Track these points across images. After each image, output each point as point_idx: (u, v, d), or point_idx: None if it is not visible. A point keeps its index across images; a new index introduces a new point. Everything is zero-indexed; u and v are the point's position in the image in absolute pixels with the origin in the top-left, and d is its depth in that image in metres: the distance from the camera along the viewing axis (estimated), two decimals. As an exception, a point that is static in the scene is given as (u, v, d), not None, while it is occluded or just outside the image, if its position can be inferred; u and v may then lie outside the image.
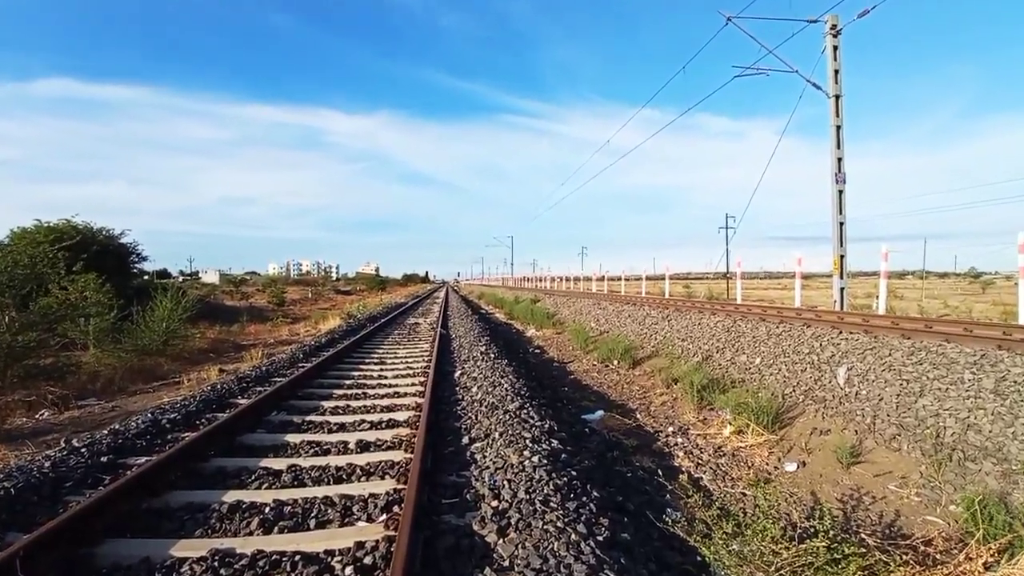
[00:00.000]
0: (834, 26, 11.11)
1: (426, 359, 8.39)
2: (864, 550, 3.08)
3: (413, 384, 6.54)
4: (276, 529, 2.96)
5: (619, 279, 24.83)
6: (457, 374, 7.11)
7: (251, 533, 2.93)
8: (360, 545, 2.73)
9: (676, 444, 5.65)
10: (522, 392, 5.88)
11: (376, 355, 9.07)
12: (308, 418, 5.05)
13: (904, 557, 3.13)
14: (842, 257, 11.23)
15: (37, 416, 6.41)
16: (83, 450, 4.02)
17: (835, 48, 11.16)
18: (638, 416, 6.67)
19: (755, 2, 19.94)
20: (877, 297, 10.47)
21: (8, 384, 7.14)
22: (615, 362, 9.74)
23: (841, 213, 11.22)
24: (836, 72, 11.20)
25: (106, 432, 4.49)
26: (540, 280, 47.36)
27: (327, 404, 5.57)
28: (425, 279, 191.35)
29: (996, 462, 4.18)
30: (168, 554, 2.70)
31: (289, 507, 3.19)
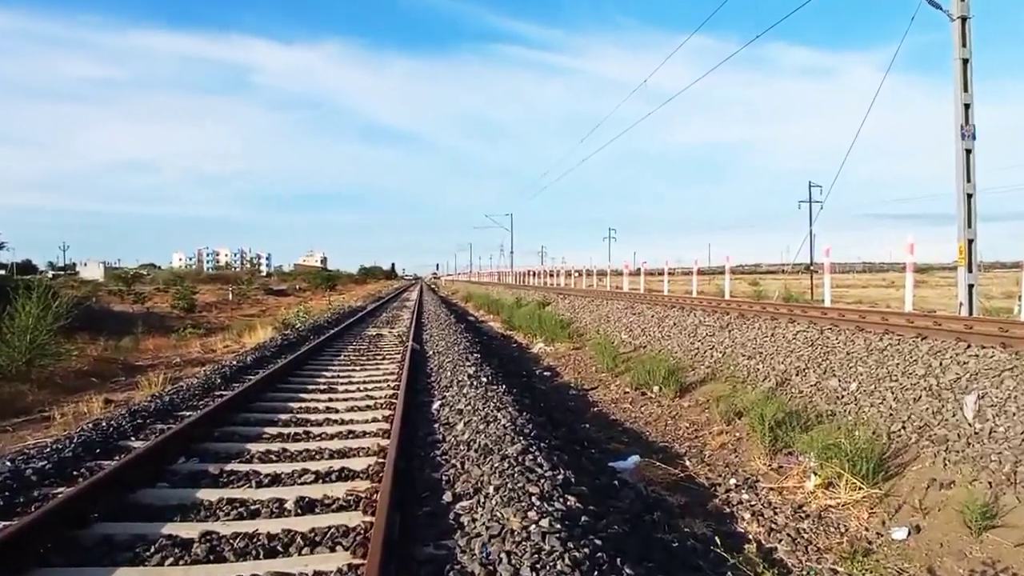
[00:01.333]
0: (959, -79, 11.12)
1: (392, 385, 8.40)
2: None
3: (375, 419, 6.55)
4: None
5: (660, 274, 24.86)
6: (436, 405, 7.10)
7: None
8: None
9: (740, 502, 5.65)
10: (526, 430, 5.88)
11: (324, 379, 9.08)
12: (229, 467, 5.05)
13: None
14: (971, 242, 11.23)
15: None
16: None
17: (961, -49, 11.16)
18: (687, 463, 6.68)
19: None
20: (1020, 298, 10.48)
21: None
22: (655, 389, 9.76)
23: (969, 181, 11.22)
24: (962, -15, 11.20)
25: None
26: (551, 275, 47.45)
27: (256, 447, 5.58)
28: (391, 275, 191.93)
29: None
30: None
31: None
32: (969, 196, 11.23)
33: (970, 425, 5.87)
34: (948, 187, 11.50)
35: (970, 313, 11.00)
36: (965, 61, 11.22)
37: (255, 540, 3.74)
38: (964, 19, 11.21)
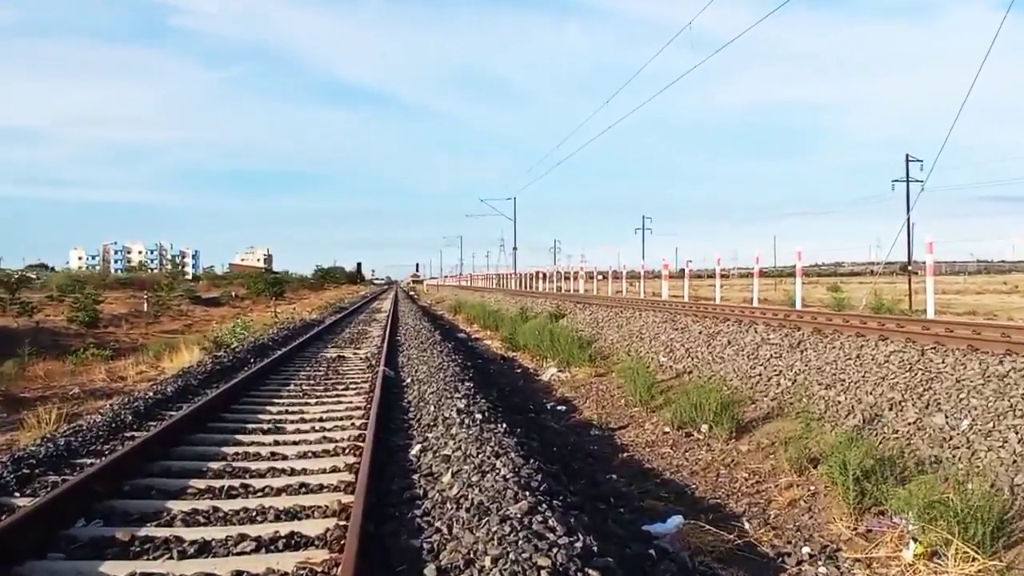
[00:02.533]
0: None
1: (358, 423, 8.38)
2: None
3: (335, 469, 6.53)
4: None
5: (711, 276, 24.88)
6: (415, 450, 7.08)
7: None
8: None
9: (817, 577, 5.61)
10: (534, 483, 5.84)
11: (268, 416, 9.07)
12: (143, 531, 5.01)
13: None
14: (1119, 234, 11.21)
15: None
16: None
17: None
18: (746, 526, 6.64)
19: None
20: None
21: None
22: (704, 428, 9.73)
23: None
24: None
25: None
26: (567, 278, 47.51)
27: (178, 506, 5.54)
28: (357, 278, 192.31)
29: None
30: None
31: None
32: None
33: (1120, 476, 5.85)
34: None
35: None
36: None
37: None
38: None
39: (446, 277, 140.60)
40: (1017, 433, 6.90)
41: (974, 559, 5.48)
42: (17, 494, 5.84)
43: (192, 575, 4.33)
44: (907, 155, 42.48)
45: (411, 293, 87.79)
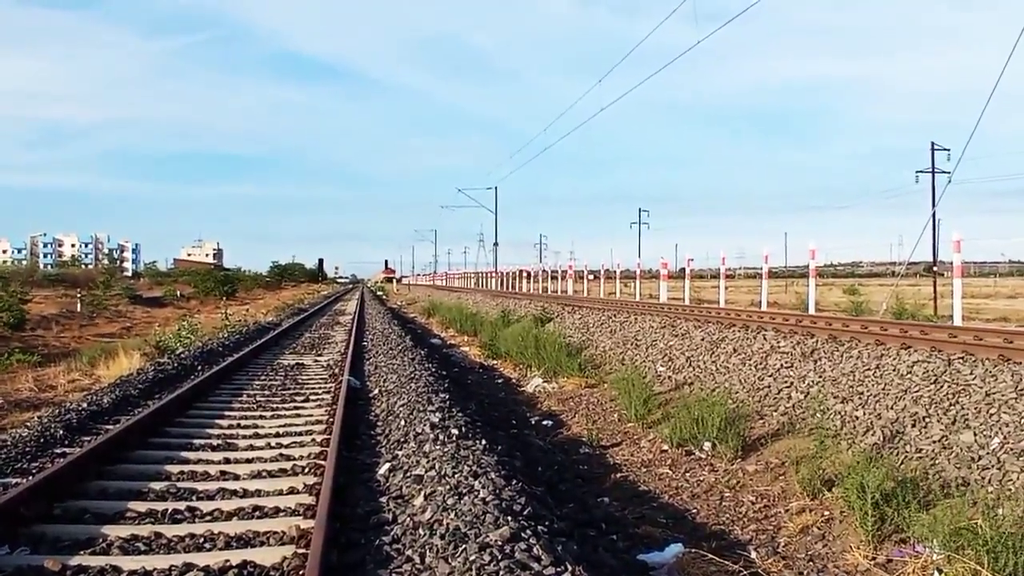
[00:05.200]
0: None
1: (319, 439, 8.36)
2: None
3: (292, 490, 6.50)
4: None
5: (715, 276, 24.96)
6: (384, 469, 7.06)
7: None
8: None
9: (831, 613, 5.65)
10: (516, 507, 5.84)
11: (218, 430, 9.04)
12: (76, 560, 4.98)
13: None
14: None
15: None
16: None
17: None
18: (754, 555, 6.65)
19: None
20: None
21: None
22: (707, 446, 9.73)
23: None
24: None
25: None
26: (554, 277, 47.60)
27: (116, 531, 5.49)
28: (318, 276, 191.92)
29: None
30: None
31: None
32: None
33: None
34: None
35: None
36: None
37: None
38: None
39: (419, 276, 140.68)
40: (1053, 453, 6.96)
41: (1005, 593, 5.53)
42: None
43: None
44: (932, 143, 42.68)
45: (377, 292, 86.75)
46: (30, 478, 6.53)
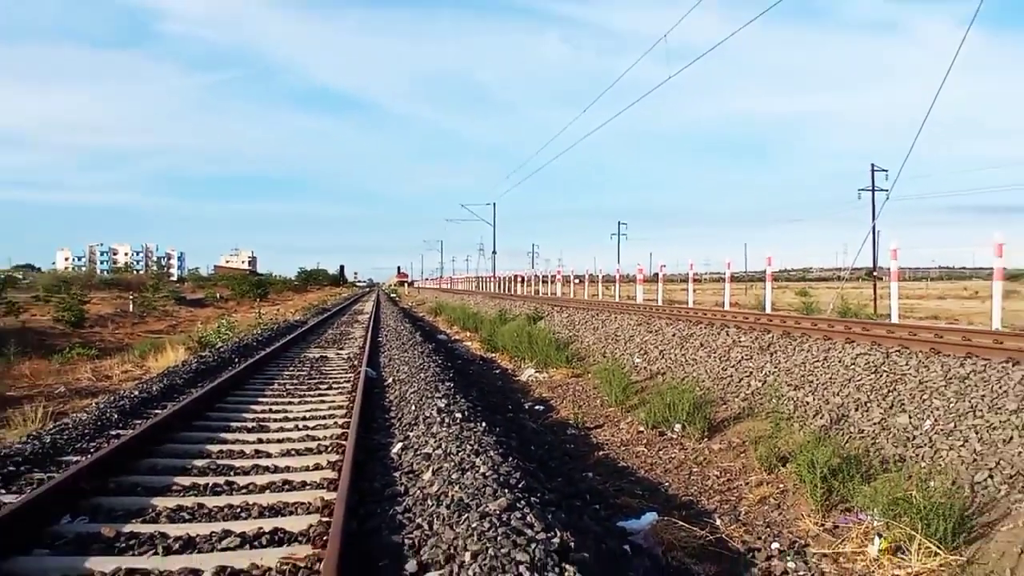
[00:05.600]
0: None
1: (341, 422, 8.36)
2: None
3: (317, 466, 6.49)
4: None
5: (684, 280, 24.96)
6: (396, 448, 7.03)
7: None
8: None
9: (786, 572, 5.64)
10: (512, 480, 5.82)
11: (252, 414, 9.01)
12: (129, 527, 4.94)
13: None
14: (1071, 243, 11.33)
15: None
16: None
17: None
18: (718, 523, 6.67)
19: None
20: None
21: None
22: (677, 428, 9.74)
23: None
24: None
25: None
26: (545, 282, 47.60)
27: (164, 502, 5.47)
28: (339, 280, 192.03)
29: None
30: None
31: None
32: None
33: (1076, 474, 5.88)
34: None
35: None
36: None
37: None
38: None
39: (427, 280, 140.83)
40: (977, 433, 6.96)
41: (936, 554, 5.52)
42: (3, 491, 5.73)
43: (177, 570, 4.26)
44: (872, 165, 42.97)
45: (391, 295, 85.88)
46: (89, 456, 6.51)
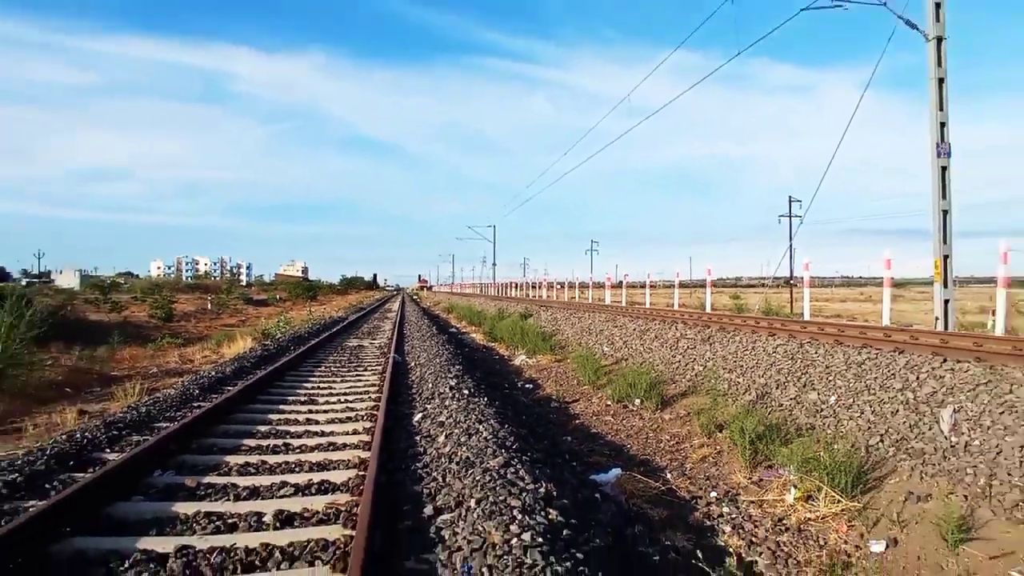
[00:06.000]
0: (935, -56, 11.41)
1: (374, 396, 8.38)
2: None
3: (355, 432, 6.52)
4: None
5: (642, 286, 25.02)
6: (417, 417, 7.09)
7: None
8: None
9: (721, 515, 5.69)
10: (508, 443, 5.88)
11: (304, 391, 9.03)
12: (207, 479, 4.99)
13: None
14: (946, 258, 11.45)
15: None
16: None
17: (936, -27, 11.45)
18: (669, 476, 6.71)
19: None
20: (994, 313, 10.69)
21: None
22: (637, 402, 9.80)
23: (945, 198, 11.45)
24: (938, 6, 11.48)
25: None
26: (533, 287, 47.57)
27: (234, 460, 5.52)
28: (373, 285, 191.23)
29: None
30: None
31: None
32: (945, 212, 11.44)
33: (946, 438, 5.97)
34: (924, 204, 11.72)
35: (946, 328, 11.19)
36: (941, 80, 11.47)
37: (232, 555, 3.70)
38: (940, 39, 11.47)
39: (441, 285, 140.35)
40: (871, 407, 7.04)
41: (839, 501, 5.61)
42: (108, 451, 5.81)
43: (244, 512, 4.32)
44: (790, 197, 43.57)
45: (414, 297, 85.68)
46: (175, 423, 6.55)
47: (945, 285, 11.38)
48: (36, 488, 4.76)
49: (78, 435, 6.16)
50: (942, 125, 11.46)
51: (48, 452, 5.50)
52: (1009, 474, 5.23)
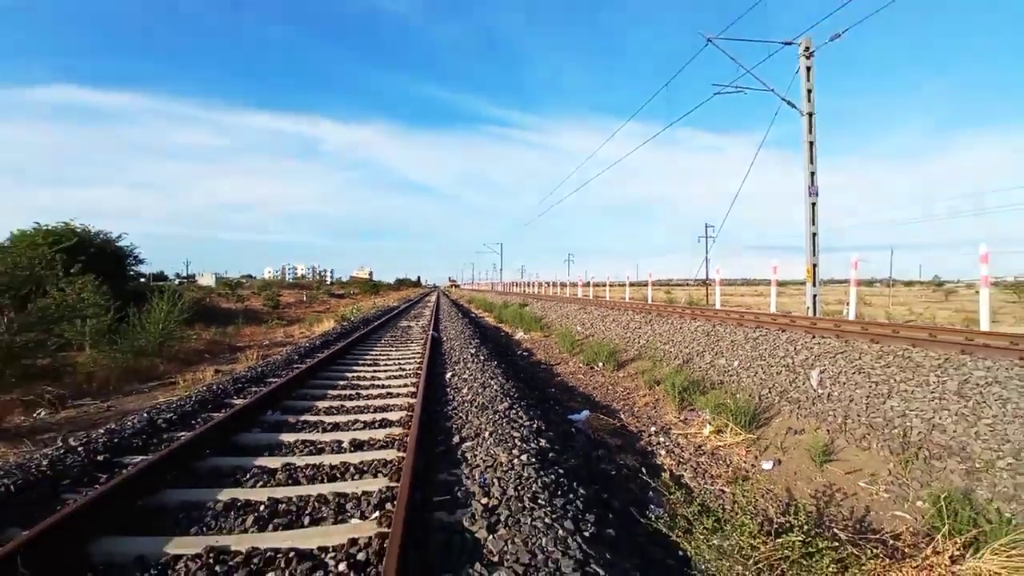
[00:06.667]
0: (807, 48, 11.33)
1: (418, 361, 8.32)
2: (837, 544, 3.11)
3: (406, 386, 6.47)
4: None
5: (604, 285, 24.93)
6: (449, 375, 7.07)
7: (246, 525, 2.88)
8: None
9: (658, 443, 5.68)
10: (511, 393, 5.86)
11: (370, 356, 8.96)
12: (303, 418, 4.99)
13: (874, 551, 3.16)
14: (815, 266, 11.39)
15: (34, 415, 6.26)
16: (79, 448, 3.93)
17: (808, 69, 11.37)
18: (622, 416, 6.69)
19: (734, 24, 20.16)
20: (848, 303, 10.63)
21: (6, 383, 6.95)
22: (600, 364, 9.75)
23: (814, 224, 11.39)
24: (809, 91, 11.41)
25: (102, 432, 4.39)
26: (528, 285, 47.44)
27: (321, 404, 5.50)
28: (417, 283, 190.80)
29: (960, 460, 4.26)
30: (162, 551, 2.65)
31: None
32: (814, 234, 11.40)
33: (814, 391, 5.95)
34: (801, 228, 11.67)
35: (814, 314, 11.14)
36: (811, 143, 11.41)
37: (320, 469, 3.69)
38: (811, 114, 11.41)
39: (465, 284, 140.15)
40: (763, 369, 7.01)
41: (740, 434, 5.58)
42: (235, 398, 5.78)
43: (328, 440, 4.30)
44: (706, 223, 43.25)
45: (446, 293, 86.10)
46: (280, 378, 6.52)
47: (814, 285, 11.34)
48: (186, 423, 4.76)
49: (215, 387, 6.16)
50: (812, 174, 11.40)
51: (194, 399, 5.50)
52: (858, 415, 5.21)
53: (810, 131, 11.39)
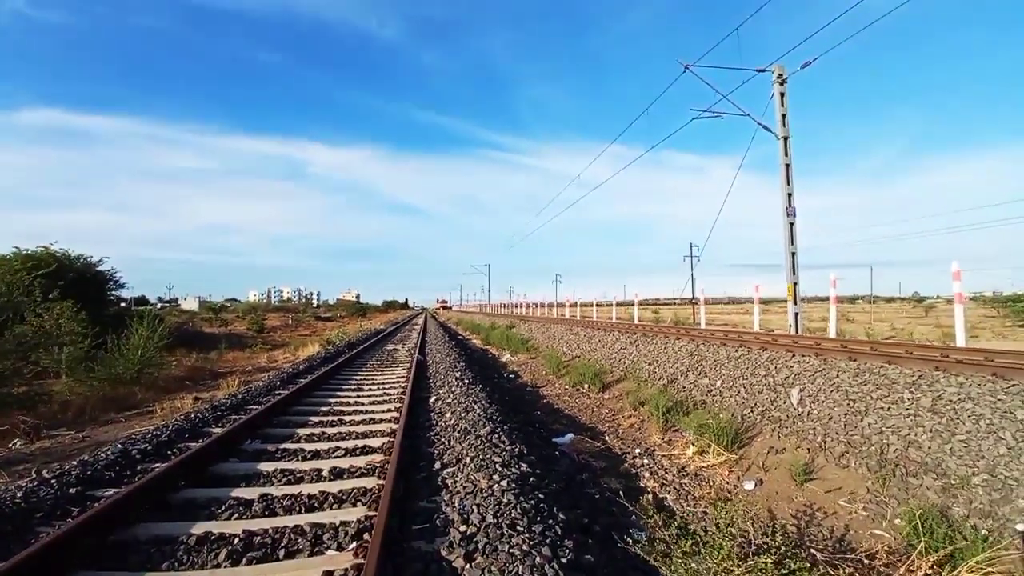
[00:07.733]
0: (780, 75, 11.76)
1: (403, 385, 8.27)
2: (811, 565, 3.13)
3: (389, 411, 6.42)
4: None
5: (591, 305, 25.07)
6: (432, 399, 7.02)
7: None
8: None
9: (642, 465, 5.67)
10: (494, 417, 5.83)
11: (354, 381, 8.88)
12: (283, 445, 4.91)
13: (850, 570, 3.19)
14: (795, 285, 11.61)
15: (9, 446, 6.10)
16: (52, 481, 3.84)
17: (782, 95, 11.79)
18: (607, 438, 6.66)
19: (710, 52, 20.87)
20: (829, 321, 10.83)
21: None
22: (586, 386, 9.74)
23: (793, 244, 11.66)
24: (783, 116, 11.81)
25: (75, 463, 4.30)
26: (516, 307, 47.45)
27: (302, 431, 5.42)
28: (405, 305, 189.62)
29: (936, 477, 4.33)
30: None
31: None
32: (793, 254, 11.65)
33: (795, 409, 6.02)
34: (780, 247, 11.92)
35: (796, 332, 11.31)
36: (787, 166, 11.76)
37: (298, 499, 3.64)
38: (786, 138, 11.79)
39: (455, 306, 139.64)
40: (745, 389, 7.05)
41: (723, 454, 5.59)
42: (213, 426, 5.69)
43: (308, 469, 4.25)
44: (691, 243, 44.05)
45: (433, 315, 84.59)
46: (261, 405, 6.44)
47: (795, 303, 11.54)
48: (161, 454, 4.68)
49: (192, 415, 6.06)
50: (789, 195, 11.71)
51: (171, 428, 5.41)
52: (837, 434, 5.28)
53: (786, 154, 11.74)
